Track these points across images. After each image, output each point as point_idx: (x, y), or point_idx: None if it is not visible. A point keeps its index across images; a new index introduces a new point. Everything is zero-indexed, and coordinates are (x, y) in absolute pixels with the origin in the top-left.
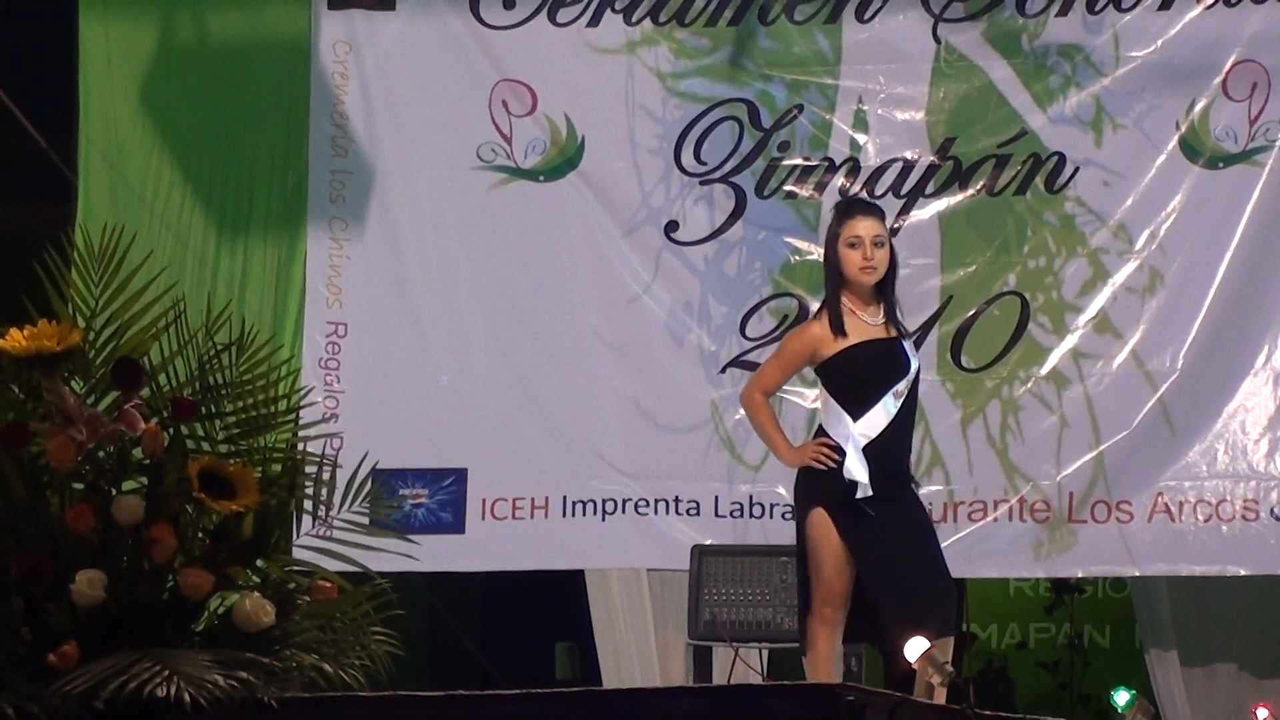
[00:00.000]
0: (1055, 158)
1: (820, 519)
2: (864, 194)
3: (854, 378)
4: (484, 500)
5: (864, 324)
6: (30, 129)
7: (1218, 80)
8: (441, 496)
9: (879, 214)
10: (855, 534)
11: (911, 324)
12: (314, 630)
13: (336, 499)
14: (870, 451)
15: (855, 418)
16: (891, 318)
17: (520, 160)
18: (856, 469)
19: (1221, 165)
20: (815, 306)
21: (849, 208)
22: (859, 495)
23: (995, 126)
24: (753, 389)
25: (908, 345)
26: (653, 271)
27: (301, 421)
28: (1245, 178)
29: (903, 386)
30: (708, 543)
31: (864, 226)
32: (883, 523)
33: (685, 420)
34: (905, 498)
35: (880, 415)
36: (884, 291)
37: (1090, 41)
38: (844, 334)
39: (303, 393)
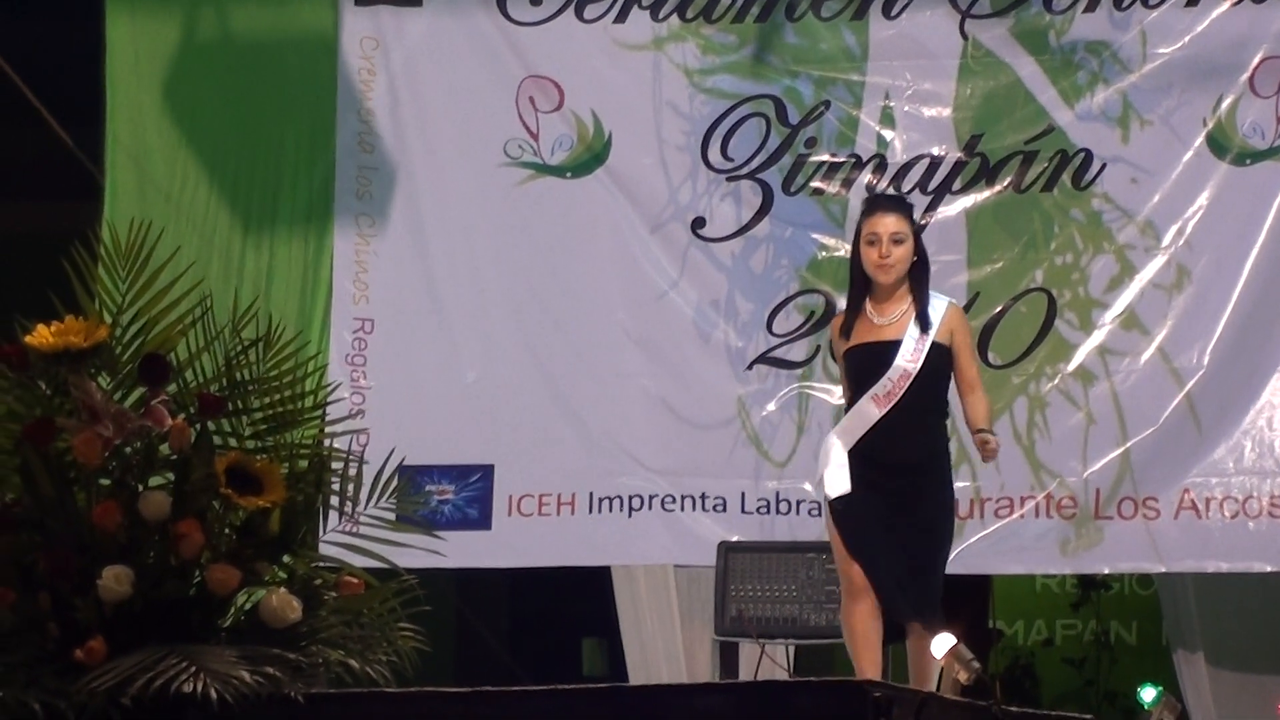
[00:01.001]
0: (1082, 154)
1: (828, 514)
2: (891, 190)
3: (848, 380)
4: (510, 496)
5: (871, 325)
6: (56, 127)
7: (1245, 77)
8: (468, 493)
9: (903, 210)
10: (837, 525)
11: None
12: (341, 626)
13: (363, 495)
14: (860, 445)
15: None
16: (921, 313)
17: (547, 157)
18: (827, 465)
19: (1249, 162)
20: (842, 302)
21: (872, 204)
22: (834, 494)
23: (1022, 123)
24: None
25: (910, 344)
26: (680, 268)
27: (328, 418)
28: (1272, 174)
29: (885, 389)
30: (734, 539)
31: (884, 224)
32: (855, 513)
33: (712, 417)
34: (902, 487)
35: (860, 417)
36: (914, 288)
37: (1117, 38)
38: (846, 337)
39: (329, 389)
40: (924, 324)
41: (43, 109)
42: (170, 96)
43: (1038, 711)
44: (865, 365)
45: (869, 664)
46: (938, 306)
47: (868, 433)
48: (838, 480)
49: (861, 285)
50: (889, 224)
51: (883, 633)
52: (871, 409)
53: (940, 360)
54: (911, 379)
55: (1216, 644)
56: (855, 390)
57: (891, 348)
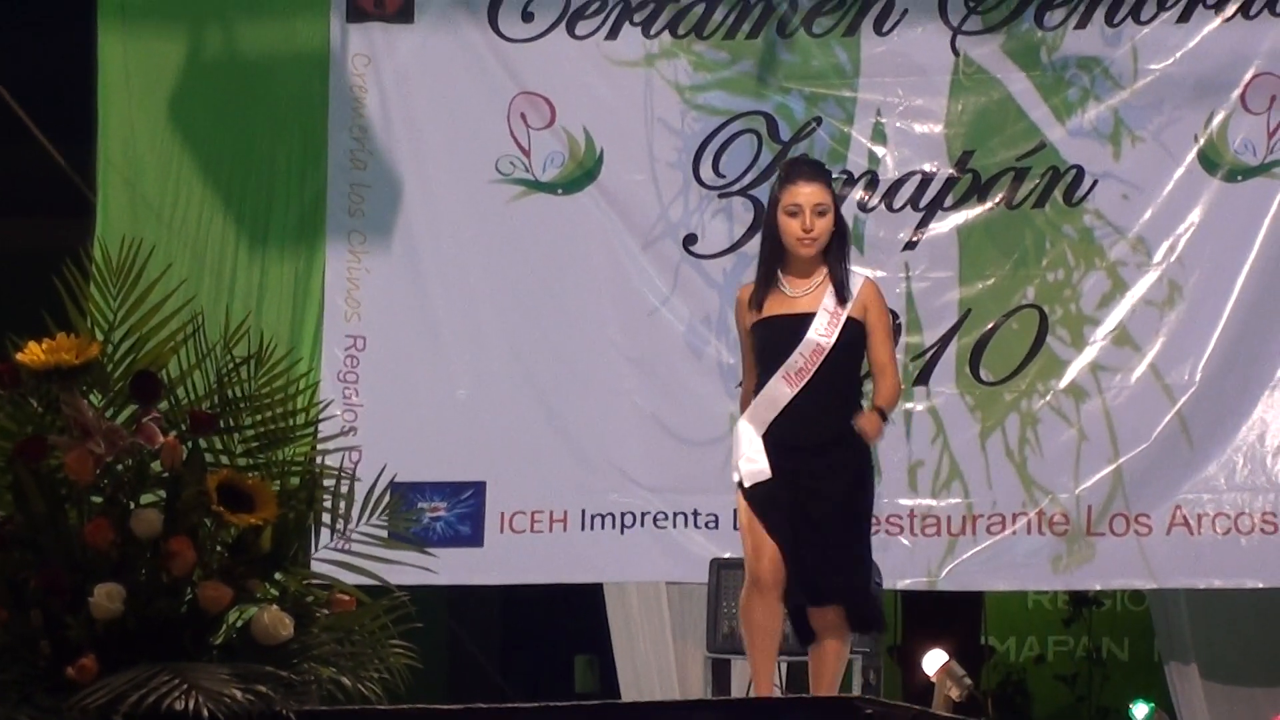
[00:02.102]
0: (1074, 170)
1: (739, 502)
2: (882, 206)
3: (758, 356)
4: (502, 513)
5: (784, 297)
6: (48, 144)
7: (1236, 93)
8: (460, 510)
9: (824, 178)
10: (753, 510)
11: (930, 337)
12: (332, 643)
13: (355, 512)
14: (770, 428)
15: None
16: (838, 290)
17: (539, 173)
18: (740, 452)
19: (1240, 178)
20: None
21: (790, 171)
22: (751, 481)
23: (1014, 139)
24: (742, 394)
25: (824, 317)
26: (671, 284)
27: (320, 435)
28: (1264, 190)
29: (796, 365)
30: (726, 556)
31: (805, 193)
32: (768, 500)
33: (704, 433)
34: (815, 468)
35: (771, 400)
36: (830, 260)
37: (1109, 54)
38: (758, 309)
39: (321, 406)
40: (841, 296)
41: (33, 127)
42: (162, 114)
43: None
44: (776, 339)
45: (765, 661)
46: (855, 281)
47: (779, 415)
48: (755, 467)
49: (775, 255)
50: (811, 194)
51: (795, 633)
52: (783, 389)
53: (856, 336)
54: (825, 354)
55: (1210, 657)
56: (763, 367)
57: (804, 321)
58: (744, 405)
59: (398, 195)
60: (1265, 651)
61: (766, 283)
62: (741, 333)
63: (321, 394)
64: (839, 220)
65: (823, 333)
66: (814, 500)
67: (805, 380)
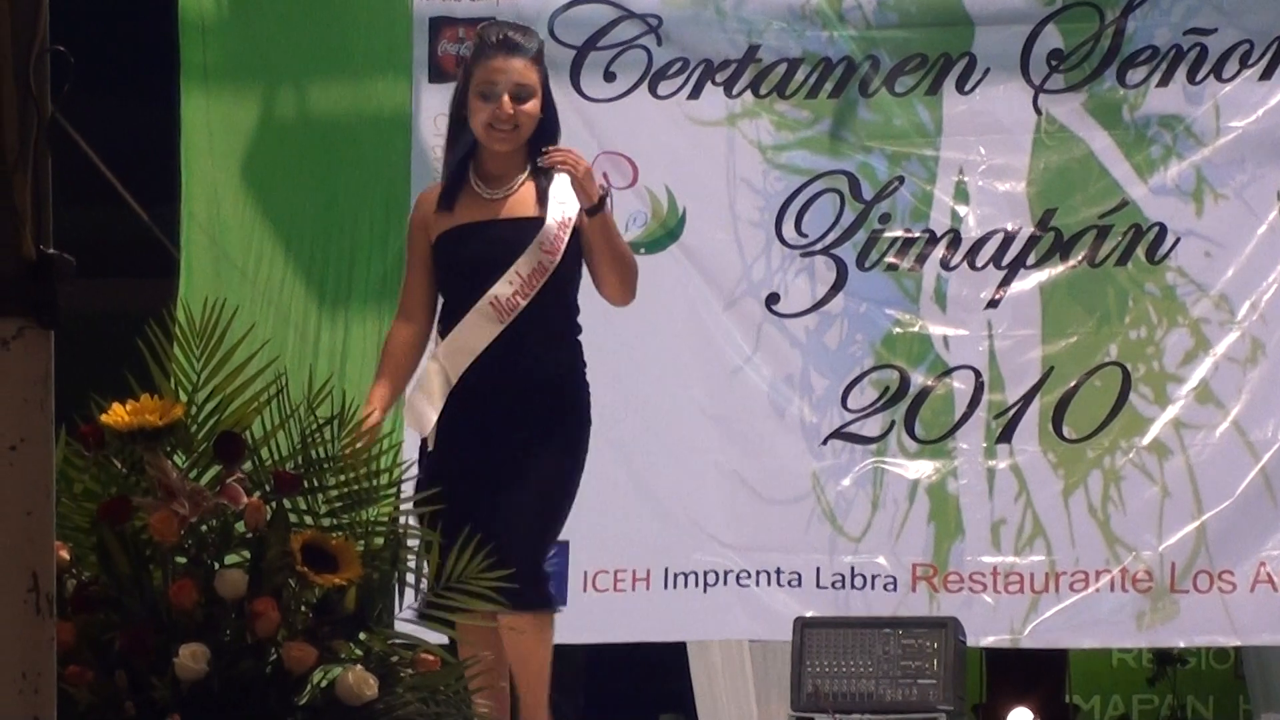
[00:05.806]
0: (1156, 228)
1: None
2: (965, 265)
3: (449, 272)
4: (585, 573)
5: (479, 200)
6: (134, 204)
7: None
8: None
9: (529, 53)
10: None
11: (1013, 395)
12: (417, 703)
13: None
14: (469, 378)
15: (444, 334)
16: (542, 193)
17: (621, 233)
18: (419, 411)
19: None
20: (918, 378)
21: (485, 43)
22: (425, 431)
23: (1096, 197)
24: (395, 319)
25: (552, 228)
26: (754, 343)
27: (403, 495)
28: None
29: (511, 288)
30: (810, 614)
31: (504, 70)
32: (456, 465)
33: (787, 492)
34: (527, 418)
35: (470, 332)
36: (535, 152)
37: (1191, 112)
38: (449, 209)
39: (405, 466)
40: (545, 196)
41: (120, 187)
42: (245, 175)
43: None
44: (474, 253)
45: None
46: (558, 180)
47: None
48: (425, 415)
49: (463, 146)
50: (512, 69)
51: None
52: (492, 318)
53: (574, 248)
54: (548, 275)
55: None
56: (461, 289)
57: (511, 230)
58: (396, 346)
59: None
60: None
61: (457, 183)
62: (415, 248)
63: (404, 454)
64: (548, 111)
65: (548, 249)
66: (513, 481)
67: (520, 307)
